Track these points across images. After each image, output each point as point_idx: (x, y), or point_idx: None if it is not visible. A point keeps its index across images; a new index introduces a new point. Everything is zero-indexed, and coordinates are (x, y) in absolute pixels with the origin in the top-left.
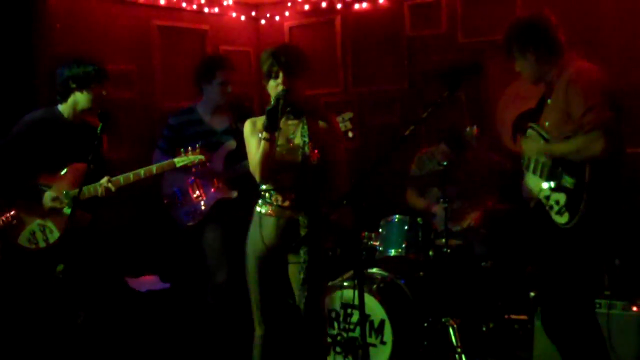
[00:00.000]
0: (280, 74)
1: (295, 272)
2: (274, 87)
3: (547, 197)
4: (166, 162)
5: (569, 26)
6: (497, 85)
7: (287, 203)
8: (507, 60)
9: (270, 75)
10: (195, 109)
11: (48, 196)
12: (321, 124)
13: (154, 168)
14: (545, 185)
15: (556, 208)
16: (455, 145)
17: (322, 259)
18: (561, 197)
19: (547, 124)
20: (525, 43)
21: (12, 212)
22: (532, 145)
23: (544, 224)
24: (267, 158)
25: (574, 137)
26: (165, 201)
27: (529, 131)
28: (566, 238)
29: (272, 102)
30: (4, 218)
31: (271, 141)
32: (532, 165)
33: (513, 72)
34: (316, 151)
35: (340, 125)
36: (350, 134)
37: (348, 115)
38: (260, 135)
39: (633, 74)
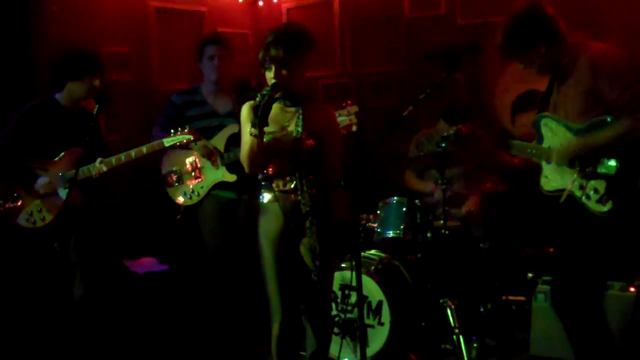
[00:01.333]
0: (272, 67)
1: (306, 251)
2: (269, 78)
3: (582, 187)
4: (155, 142)
5: (570, 8)
6: (496, 67)
7: (287, 187)
8: (508, 60)
9: (264, 66)
10: (200, 90)
11: (42, 180)
12: (319, 118)
13: (144, 148)
14: (576, 174)
15: (595, 197)
16: (453, 120)
17: (328, 236)
18: (600, 185)
19: (561, 111)
20: (532, 38)
21: (17, 200)
22: (562, 143)
23: (573, 214)
24: (254, 153)
25: (612, 122)
26: (164, 180)
27: (547, 121)
28: (602, 226)
29: (258, 99)
30: (9, 203)
31: (258, 137)
32: (554, 157)
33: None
34: (311, 140)
35: (345, 118)
36: (354, 128)
37: (354, 109)
38: (249, 129)
39: (636, 55)
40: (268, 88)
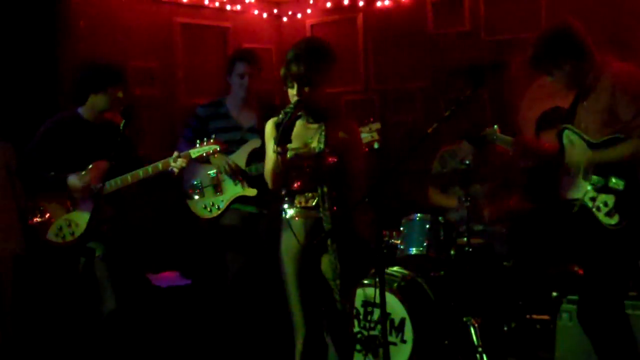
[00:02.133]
0: (295, 85)
1: (328, 269)
2: (291, 95)
3: (593, 199)
4: (161, 162)
5: (593, 26)
6: (520, 83)
7: (309, 204)
8: (537, 73)
9: (285, 84)
10: (224, 103)
11: (74, 179)
12: (341, 134)
13: (159, 165)
14: (589, 186)
15: (605, 210)
16: (478, 144)
17: (351, 254)
18: (610, 199)
19: (582, 125)
20: (561, 55)
21: (47, 215)
22: (578, 156)
23: (586, 225)
24: (277, 170)
25: (624, 141)
26: (185, 193)
27: (568, 133)
28: (613, 238)
29: (281, 116)
30: (38, 218)
31: (281, 154)
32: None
33: (534, 71)
34: (334, 157)
35: (367, 135)
36: (376, 145)
37: (376, 126)
38: (272, 147)
39: None
40: (291, 105)
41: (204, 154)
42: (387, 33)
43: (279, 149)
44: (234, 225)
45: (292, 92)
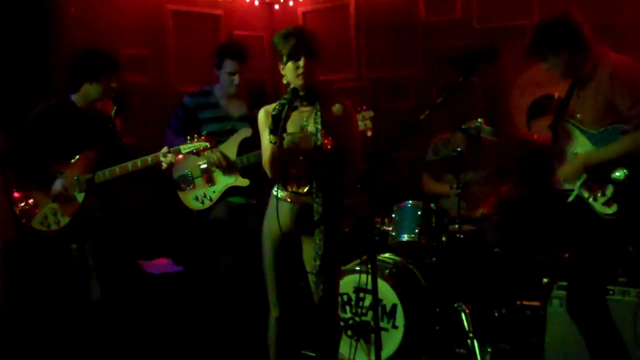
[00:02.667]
0: (302, 58)
1: (309, 258)
2: (293, 69)
3: (590, 189)
4: (151, 156)
5: (587, 16)
6: (512, 71)
7: (302, 189)
8: (532, 60)
9: (291, 57)
10: (213, 92)
11: (58, 184)
12: (335, 110)
13: (149, 158)
14: (586, 176)
15: (602, 199)
16: (470, 134)
17: (336, 244)
18: (608, 189)
19: (578, 116)
20: (558, 43)
21: (30, 201)
22: (574, 166)
23: (579, 213)
24: (275, 160)
25: (623, 136)
26: (176, 184)
27: (566, 125)
28: (607, 227)
29: (277, 107)
30: (22, 205)
31: (278, 144)
32: (571, 159)
33: (529, 58)
34: (329, 138)
35: (360, 123)
36: (369, 133)
37: (368, 114)
38: (268, 137)
39: None
40: (287, 95)
41: (194, 150)
42: (379, 21)
43: (275, 139)
44: (222, 218)
45: (295, 65)
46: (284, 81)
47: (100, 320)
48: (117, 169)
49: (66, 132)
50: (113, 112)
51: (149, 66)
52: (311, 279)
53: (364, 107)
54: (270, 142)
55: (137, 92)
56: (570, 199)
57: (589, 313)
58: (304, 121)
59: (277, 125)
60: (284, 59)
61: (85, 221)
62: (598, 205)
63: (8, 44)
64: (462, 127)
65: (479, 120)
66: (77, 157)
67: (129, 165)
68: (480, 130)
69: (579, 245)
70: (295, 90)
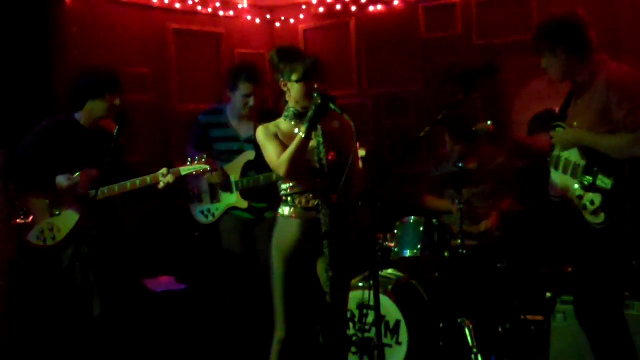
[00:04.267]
0: (318, 78)
1: (323, 272)
2: (303, 90)
3: (580, 197)
4: (150, 176)
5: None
6: (513, 86)
7: (308, 204)
8: (534, 56)
9: (305, 77)
10: (225, 111)
11: (62, 178)
12: (335, 124)
13: (137, 181)
14: (577, 185)
15: (591, 208)
16: (460, 136)
17: (345, 257)
18: (596, 198)
19: (575, 124)
20: (557, 40)
21: (30, 217)
22: (568, 134)
23: (575, 223)
24: (301, 155)
25: (619, 134)
26: (187, 196)
27: (558, 129)
28: (600, 237)
29: (319, 100)
30: (21, 219)
31: (308, 139)
32: (561, 164)
33: (529, 73)
34: (332, 152)
35: None
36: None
37: (361, 152)
38: (298, 130)
39: None
40: (318, 99)
41: (194, 173)
42: (380, 37)
43: (307, 132)
44: (232, 228)
45: (307, 87)
46: (289, 97)
47: (101, 337)
48: (116, 187)
49: (69, 149)
50: (115, 131)
51: (150, 84)
52: (327, 292)
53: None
54: (304, 135)
55: (139, 110)
56: (569, 204)
57: (597, 324)
58: None
59: (317, 120)
60: (295, 77)
61: (83, 238)
62: (588, 215)
63: (11, 62)
64: (473, 128)
65: (489, 122)
66: (78, 174)
67: (128, 184)
68: (488, 132)
69: (578, 257)
70: (326, 96)
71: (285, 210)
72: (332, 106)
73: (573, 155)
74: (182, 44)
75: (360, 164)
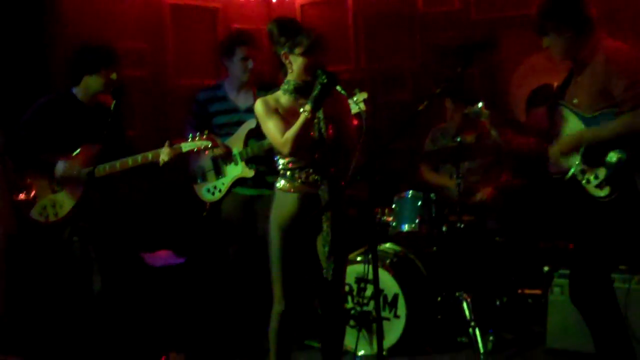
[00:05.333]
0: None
1: (321, 246)
2: (305, 62)
3: (583, 171)
4: (152, 152)
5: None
6: (510, 62)
7: (308, 179)
8: (532, 31)
9: (308, 52)
10: (223, 86)
11: (60, 165)
12: (334, 101)
13: (139, 157)
14: (579, 159)
15: (595, 182)
16: (462, 100)
17: (343, 231)
18: (600, 172)
19: (575, 100)
20: (561, 19)
21: (31, 192)
22: (565, 141)
23: (576, 198)
24: (305, 133)
25: (618, 117)
26: (191, 177)
27: (561, 108)
28: (603, 210)
29: (325, 79)
30: (23, 195)
31: (313, 118)
32: (565, 141)
33: (527, 48)
34: (330, 126)
35: (354, 106)
36: (363, 115)
37: (362, 96)
38: (303, 109)
39: None
40: (323, 77)
41: (195, 149)
42: (377, 12)
43: (312, 110)
44: (232, 210)
45: (307, 61)
46: (290, 70)
47: (101, 313)
48: (117, 163)
49: (68, 125)
50: (112, 106)
51: (147, 60)
52: (325, 267)
53: (358, 89)
54: (309, 113)
55: (135, 85)
56: (568, 176)
57: (591, 300)
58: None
59: (323, 100)
60: (298, 50)
61: (84, 214)
62: (591, 188)
63: (6, 39)
64: (465, 112)
65: (480, 104)
66: (79, 150)
67: (129, 160)
68: (479, 114)
69: (578, 231)
70: (332, 76)
71: (283, 184)
72: (339, 88)
73: (574, 130)
74: (178, 18)
75: (364, 115)
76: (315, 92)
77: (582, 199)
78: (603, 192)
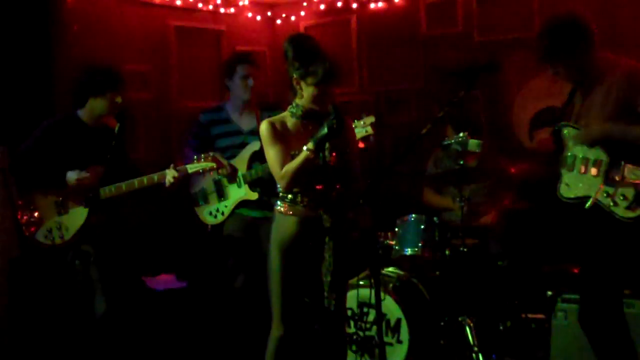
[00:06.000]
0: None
1: (323, 274)
2: (314, 93)
3: (609, 194)
4: (157, 174)
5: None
6: (513, 84)
7: (308, 204)
8: (534, 72)
9: (322, 81)
10: (224, 108)
11: (72, 175)
12: None
13: (155, 176)
14: (603, 182)
15: (624, 204)
16: (463, 130)
17: (345, 257)
18: (629, 192)
19: (582, 122)
20: (574, 44)
21: (35, 214)
22: (593, 130)
23: (594, 222)
24: (305, 170)
25: None
26: (193, 200)
27: (568, 129)
28: (629, 231)
29: (334, 122)
30: (28, 216)
31: (316, 158)
32: (577, 165)
33: (530, 71)
34: (334, 154)
35: (361, 130)
36: (371, 138)
37: (370, 119)
38: (306, 147)
39: None
40: (332, 117)
41: (201, 171)
42: (381, 35)
43: (314, 151)
44: (236, 232)
45: (318, 89)
46: (300, 95)
47: (104, 335)
48: (123, 185)
49: (72, 147)
50: (116, 128)
51: (151, 82)
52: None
53: (365, 113)
54: (309, 153)
55: (139, 107)
56: (588, 205)
57: (603, 325)
58: (309, 138)
59: (327, 141)
60: (311, 80)
61: (88, 236)
62: (620, 210)
63: (12, 59)
64: (443, 143)
65: (462, 134)
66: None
67: (135, 182)
68: (465, 144)
69: (594, 255)
70: (340, 119)
71: (283, 207)
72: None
73: (591, 153)
74: (182, 41)
75: (372, 138)
76: (320, 133)
77: (603, 222)
78: (635, 214)
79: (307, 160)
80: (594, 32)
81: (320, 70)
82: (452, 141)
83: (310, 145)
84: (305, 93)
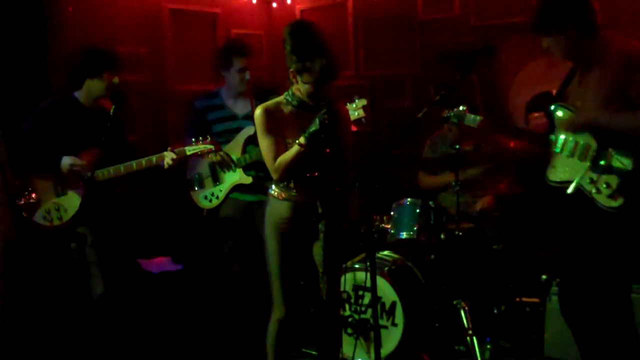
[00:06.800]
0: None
1: (318, 254)
2: (309, 89)
3: (593, 180)
4: (155, 156)
5: None
6: (510, 68)
7: (302, 190)
8: (532, 38)
9: (321, 79)
10: (220, 93)
11: (66, 161)
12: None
13: (143, 161)
14: (588, 168)
15: (607, 191)
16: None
17: (338, 241)
18: (612, 180)
19: (578, 103)
20: (566, 18)
21: (33, 195)
22: (580, 116)
23: (578, 208)
24: (297, 163)
25: (633, 110)
26: (189, 185)
27: (563, 111)
28: (612, 221)
29: (325, 117)
30: (26, 199)
31: (307, 151)
32: (567, 148)
33: (526, 55)
34: (327, 145)
35: (353, 112)
36: (363, 121)
37: (362, 102)
38: (298, 141)
39: None
40: (323, 114)
41: (199, 153)
42: (377, 19)
43: (305, 146)
44: (231, 216)
45: (312, 80)
46: (296, 86)
47: (101, 317)
48: (121, 167)
49: (70, 128)
50: (112, 110)
51: (146, 64)
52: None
53: (357, 96)
54: (301, 147)
55: (134, 90)
56: (570, 190)
57: (582, 312)
58: (303, 128)
59: (319, 136)
60: (307, 78)
61: (84, 218)
62: (602, 198)
63: (5, 43)
64: (444, 115)
65: (462, 107)
66: (81, 154)
67: (134, 164)
68: (462, 118)
69: (577, 241)
70: (328, 104)
71: (277, 191)
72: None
73: (581, 137)
74: (178, 23)
75: (364, 120)
76: (312, 128)
77: (587, 210)
78: (616, 203)
79: (299, 155)
80: (594, 10)
81: (316, 68)
82: (452, 114)
83: (302, 140)
84: (302, 87)
